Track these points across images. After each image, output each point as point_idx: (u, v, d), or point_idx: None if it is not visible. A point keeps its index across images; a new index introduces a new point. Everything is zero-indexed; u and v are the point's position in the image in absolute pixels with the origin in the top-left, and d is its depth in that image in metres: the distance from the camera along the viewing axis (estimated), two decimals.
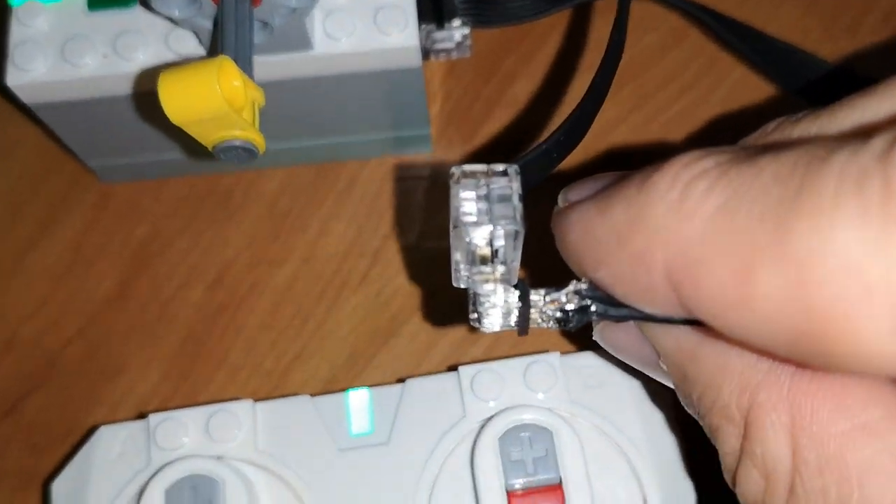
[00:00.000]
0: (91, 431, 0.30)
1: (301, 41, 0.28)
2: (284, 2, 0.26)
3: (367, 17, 0.29)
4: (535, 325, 0.20)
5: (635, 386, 0.29)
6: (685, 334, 0.18)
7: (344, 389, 0.31)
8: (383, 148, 0.35)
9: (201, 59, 0.24)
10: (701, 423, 0.19)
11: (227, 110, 0.23)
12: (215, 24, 0.27)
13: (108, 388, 0.34)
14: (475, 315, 0.19)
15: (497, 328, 0.19)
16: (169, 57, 0.29)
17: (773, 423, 0.16)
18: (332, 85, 0.30)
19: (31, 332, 0.34)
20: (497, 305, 0.19)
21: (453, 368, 0.30)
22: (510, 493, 0.26)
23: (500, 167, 0.17)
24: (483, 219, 0.17)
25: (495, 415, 0.27)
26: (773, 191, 0.14)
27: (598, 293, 0.18)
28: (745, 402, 0.17)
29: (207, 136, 0.24)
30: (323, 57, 0.29)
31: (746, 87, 0.37)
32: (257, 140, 0.24)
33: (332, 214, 0.36)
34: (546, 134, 0.33)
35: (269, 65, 0.29)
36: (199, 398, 0.33)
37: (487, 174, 0.17)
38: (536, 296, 0.19)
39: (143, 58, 0.29)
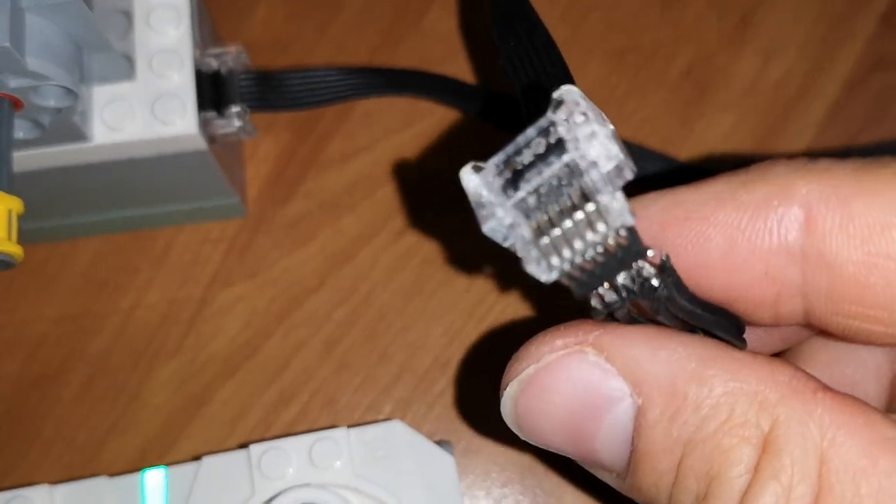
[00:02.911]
0: None
1: (77, 133, 0.29)
2: (44, 104, 0.26)
3: (146, 106, 0.29)
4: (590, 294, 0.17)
5: (420, 455, 0.30)
6: (688, 357, 0.18)
7: (157, 461, 0.32)
8: (194, 216, 0.36)
9: None
10: (687, 455, 0.17)
11: None
12: None
13: None
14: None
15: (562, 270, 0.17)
16: None
17: (799, 440, 0.16)
18: (121, 168, 0.31)
19: None
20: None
21: (262, 440, 0.31)
22: None
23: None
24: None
25: (277, 495, 0.28)
26: None
27: (676, 276, 0.17)
28: (766, 419, 0.17)
29: None
30: (103, 147, 0.29)
31: None
32: (11, 250, 0.25)
33: (147, 283, 0.36)
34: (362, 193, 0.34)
35: (50, 155, 0.29)
36: (12, 476, 0.33)
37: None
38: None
39: None
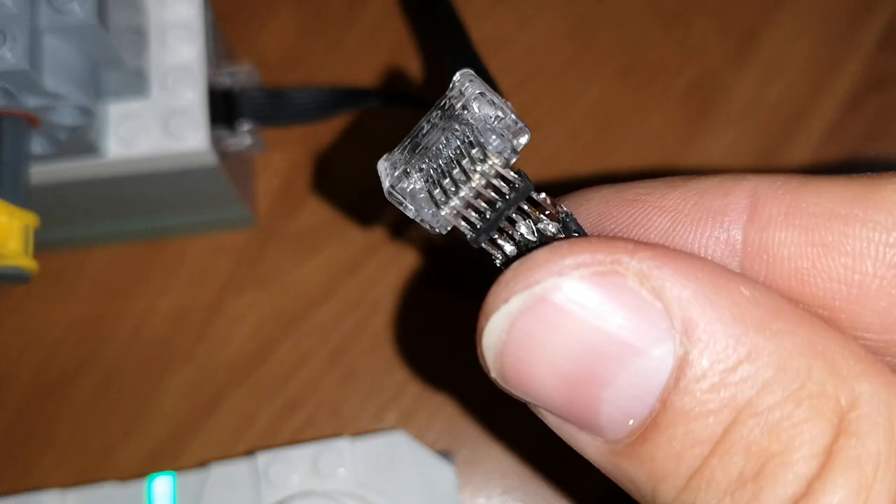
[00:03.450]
0: None
1: (92, 148, 0.30)
2: (61, 122, 0.27)
3: (159, 123, 0.30)
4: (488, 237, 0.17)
5: (422, 466, 0.31)
6: (755, 303, 0.15)
7: (167, 466, 0.33)
8: (206, 226, 0.37)
9: None
10: (740, 423, 0.14)
11: None
12: None
13: None
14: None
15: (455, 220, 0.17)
16: None
17: (885, 424, 0.14)
18: (134, 182, 0.32)
19: None
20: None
21: (270, 447, 0.32)
22: None
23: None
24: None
25: (283, 501, 0.29)
26: None
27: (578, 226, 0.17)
28: (847, 393, 0.14)
29: None
30: (116, 161, 0.30)
31: None
32: (27, 264, 0.26)
33: (160, 291, 0.37)
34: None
35: (65, 169, 0.30)
36: (25, 479, 0.34)
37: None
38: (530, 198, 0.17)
39: None
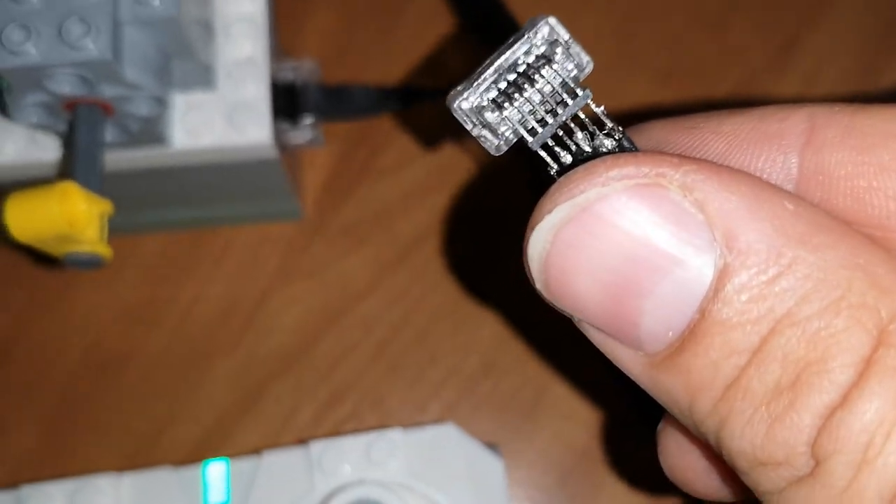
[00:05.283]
0: None
1: (159, 138, 0.30)
2: (135, 112, 0.28)
3: (224, 115, 0.31)
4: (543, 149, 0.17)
5: (471, 458, 0.31)
6: (797, 216, 0.15)
7: (213, 453, 0.33)
8: (255, 217, 0.37)
9: (51, 180, 0.26)
10: (779, 333, 0.14)
11: (70, 232, 0.25)
12: (71, 126, 0.28)
13: None
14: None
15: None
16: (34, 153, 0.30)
17: None
18: (196, 172, 0.32)
19: None
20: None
21: (313, 437, 0.32)
22: None
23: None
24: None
25: (337, 489, 0.30)
26: None
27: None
28: (888, 306, 0.14)
29: (54, 250, 0.26)
30: (182, 152, 0.31)
31: None
32: (102, 251, 0.26)
33: (208, 279, 0.37)
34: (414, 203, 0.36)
35: (132, 158, 0.31)
36: (73, 461, 0.35)
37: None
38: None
39: (13, 148, 0.31)
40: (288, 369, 0.37)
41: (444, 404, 0.36)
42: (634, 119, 0.21)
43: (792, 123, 0.19)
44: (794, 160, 0.18)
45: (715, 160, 0.19)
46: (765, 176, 0.19)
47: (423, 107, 0.34)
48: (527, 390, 0.35)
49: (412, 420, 0.36)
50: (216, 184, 0.33)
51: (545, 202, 0.16)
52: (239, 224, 0.38)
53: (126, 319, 0.37)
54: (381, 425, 0.35)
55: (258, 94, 0.31)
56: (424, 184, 0.39)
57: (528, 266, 0.16)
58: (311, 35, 0.40)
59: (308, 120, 0.31)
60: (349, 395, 0.36)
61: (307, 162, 0.39)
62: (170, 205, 0.35)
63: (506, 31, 0.35)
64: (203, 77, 0.31)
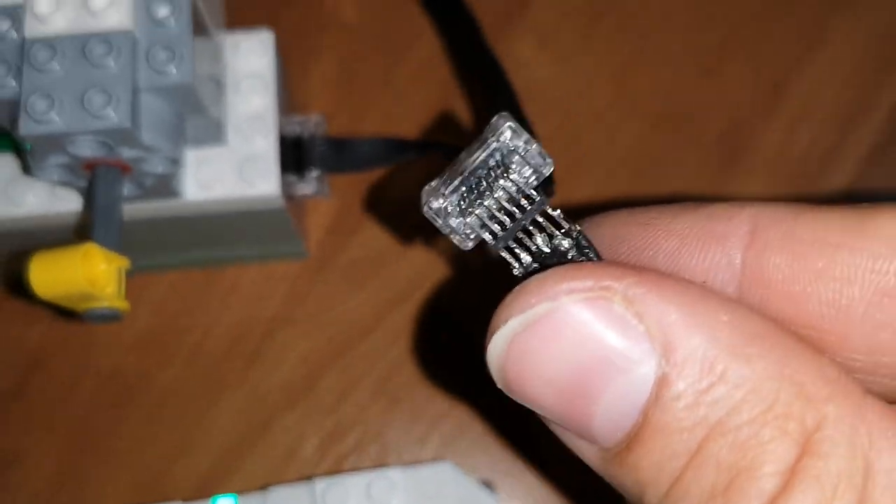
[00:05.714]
0: None
1: (172, 192, 0.32)
2: (151, 170, 0.29)
3: (234, 168, 0.32)
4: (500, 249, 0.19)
5: (467, 496, 0.33)
6: (732, 328, 0.16)
7: (221, 485, 0.35)
8: (262, 256, 0.39)
9: (73, 240, 0.27)
10: (713, 440, 0.16)
11: (90, 290, 0.26)
12: (90, 184, 0.30)
13: (3, 477, 0.37)
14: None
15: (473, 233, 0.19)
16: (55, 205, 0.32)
17: (847, 445, 0.15)
18: (207, 221, 0.34)
19: None
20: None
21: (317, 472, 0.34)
22: None
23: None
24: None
25: None
26: None
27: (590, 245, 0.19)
28: (812, 416, 0.15)
29: (75, 306, 0.27)
30: (194, 203, 0.32)
31: None
32: (120, 305, 0.28)
33: (216, 317, 0.39)
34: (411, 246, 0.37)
35: (146, 209, 0.32)
36: (84, 493, 0.37)
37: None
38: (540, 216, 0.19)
39: (34, 201, 0.32)
40: (293, 403, 0.38)
41: (444, 439, 0.37)
42: (596, 209, 0.23)
43: (736, 225, 0.20)
44: (738, 261, 0.20)
45: (666, 258, 0.21)
46: (711, 275, 0.20)
47: (424, 158, 0.35)
48: (523, 428, 0.37)
49: (411, 454, 0.37)
50: (226, 229, 0.35)
51: (501, 311, 0.18)
52: (247, 262, 0.39)
53: (136, 356, 0.38)
54: (383, 459, 0.36)
55: (267, 148, 0.32)
56: (424, 225, 0.40)
57: (489, 367, 0.18)
58: (317, 83, 0.42)
59: (314, 173, 0.33)
60: (352, 430, 0.38)
61: (312, 205, 0.40)
62: (182, 248, 0.37)
63: (498, 80, 0.37)
64: (214, 132, 0.32)
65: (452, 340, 0.39)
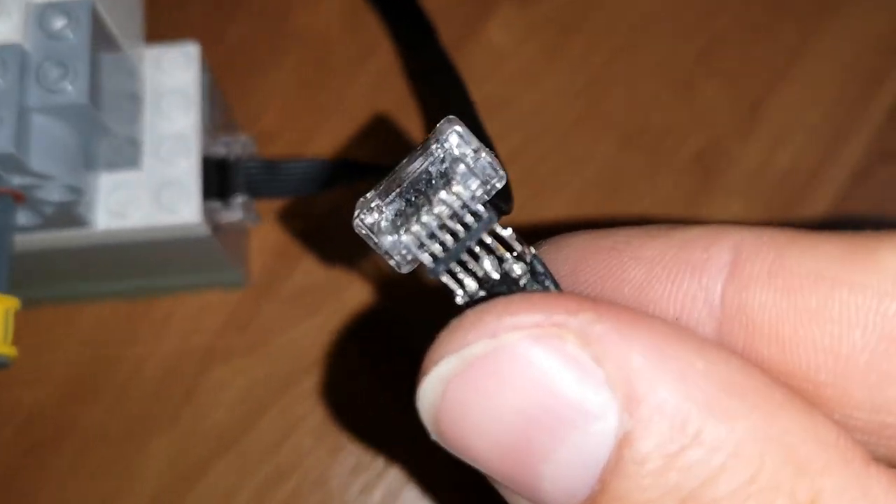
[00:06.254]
0: None
1: (80, 220, 0.29)
2: (47, 199, 0.26)
3: (151, 194, 0.29)
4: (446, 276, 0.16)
5: None
6: (708, 377, 0.13)
7: None
8: (195, 286, 0.36)
9: None
10: None
11: None
12: None
13: None
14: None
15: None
16: None
17: None
18: (124, 250, 0.31)
19: None
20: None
21: None
22: None
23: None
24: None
25: None
26: None
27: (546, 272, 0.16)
28: (805, 489, 0.13)
29: None
30: (104, 233, 0.29)
31: None
32: (7, 353, 0.25)
33: (148, 351, 0.36)
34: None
35: (50, 239, 0.29)
36: None
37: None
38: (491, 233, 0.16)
39: None
40: (230, 446, 0.35)
41: (388, 488, 0.34)
42: (562, 231, 0.20)
43: (716, 254, 0.17)
44: (717, 296, 0.17)
45: (633, 290, 0.17)
46: (685, 311, 0.17)
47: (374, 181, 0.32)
48: (474, 476, 0.34)
49: (357, 503, 0.34)
50: (149, 259, 0.32)
51: (434, 350, 0.14)
52: (180, 292, 0.36)
53: (61, 394, 0.36)
54: None
55: (188, 171, 0.30)
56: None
57: (422, 408, 0.15)
58: (264, 100, 0.39)
59: (240, 199, 0.30)
60: (291, 476, 0.35)
61: (254, 230, 0.37)
62: (104, 278, 0.34)
63: (452, 85, 0.34)
64: (128, 154, 0.29)
65: (407, 376, 0.36)
